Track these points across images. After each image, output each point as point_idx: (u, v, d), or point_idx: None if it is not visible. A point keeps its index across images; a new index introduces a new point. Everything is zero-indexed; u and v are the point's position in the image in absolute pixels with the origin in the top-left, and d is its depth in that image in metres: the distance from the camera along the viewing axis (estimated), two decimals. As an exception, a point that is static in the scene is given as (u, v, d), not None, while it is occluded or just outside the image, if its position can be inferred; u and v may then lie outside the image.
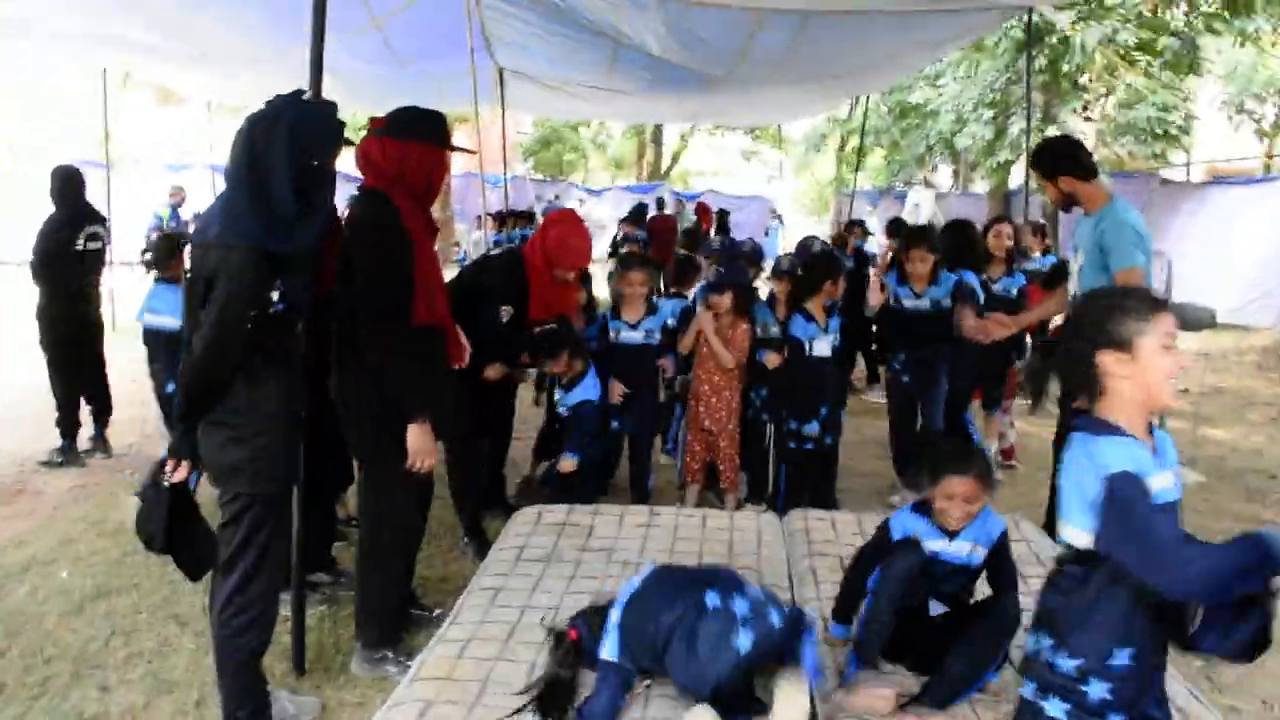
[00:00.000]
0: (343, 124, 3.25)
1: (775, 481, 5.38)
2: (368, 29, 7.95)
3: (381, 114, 3.59)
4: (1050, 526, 4.84)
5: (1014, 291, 6.40)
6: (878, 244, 11.20)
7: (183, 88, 14.19)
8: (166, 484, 2.99)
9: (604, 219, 24.44)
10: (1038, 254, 8.98)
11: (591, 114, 19.09)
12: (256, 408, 3.03)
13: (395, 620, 3.82)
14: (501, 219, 14.86)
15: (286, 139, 2.95)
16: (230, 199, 2.97)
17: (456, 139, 3.88)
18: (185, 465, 3.02)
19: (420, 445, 3.45)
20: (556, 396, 5.07)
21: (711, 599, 2.71)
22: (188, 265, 3.04)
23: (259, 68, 9.39)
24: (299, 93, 3.20)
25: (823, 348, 5.20)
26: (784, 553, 4.12)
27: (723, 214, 16.27)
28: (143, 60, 10.40)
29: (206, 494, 3.16)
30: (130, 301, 12.16)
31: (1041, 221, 10.29)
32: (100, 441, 6.79)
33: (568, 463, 4.95)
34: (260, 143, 2.95)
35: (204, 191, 16.73)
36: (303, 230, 3.01)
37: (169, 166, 21.75)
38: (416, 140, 3.52)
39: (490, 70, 10.13)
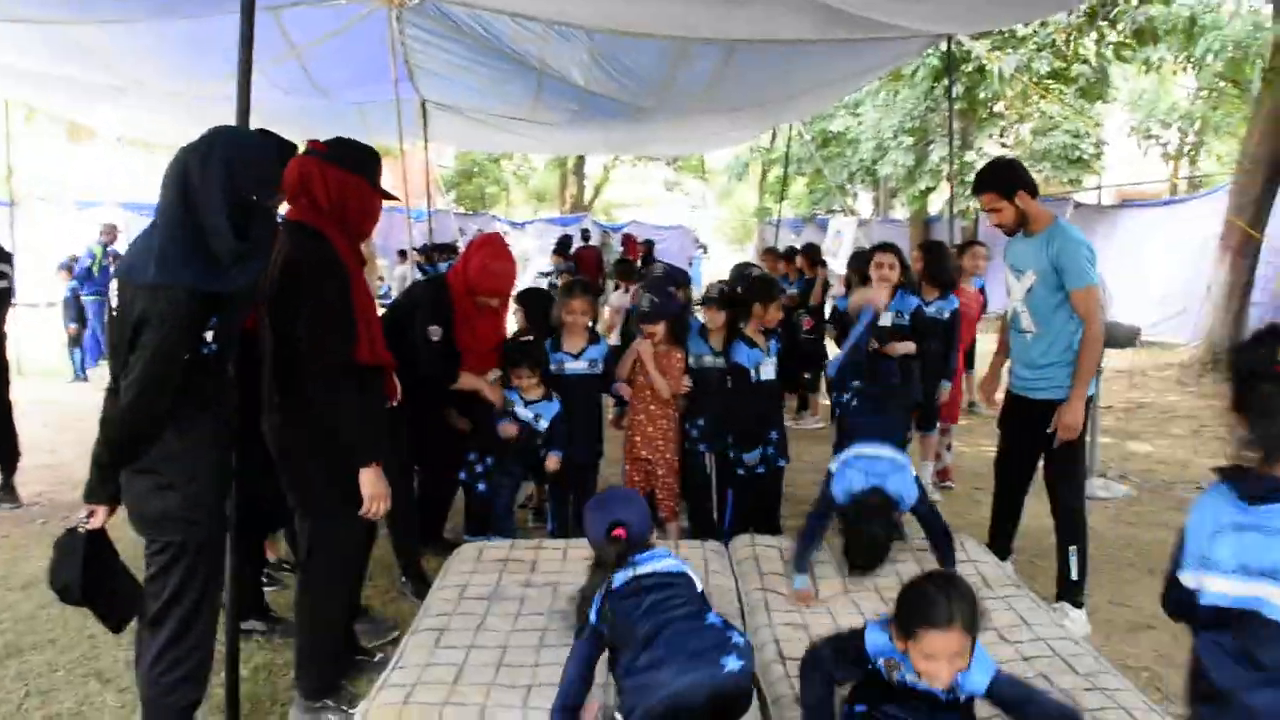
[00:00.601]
0: (288, 156, 3.11)
1: (721, 511, 5.29)
2: (287, 58, 7.80)
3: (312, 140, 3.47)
4: (993, 543, 4.86)
5: (946, 314, 6.38)
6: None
7: (94, 122, 13.75)
8: (82, 530, 2.81)
9: (528, 251, 24.39)
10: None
11: (516, 146, 19.02)
12: (188, 453, 2.87)
13: (336, 667, 3.66)
14: (426, 253, 14.71)
15: (222, 172, 2.77)
16: (163, 236, 2.76)
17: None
18: (103, 511, 2.84)
19: (375, 490, 3.31)
20: (520, 411, 4.89)
21: (713, 618, 2.60)
22: (114, 304, 2.84)
23: (178, 101, 9.17)
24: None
25: (768, 372, 5.15)
26: (733, 582, 4.05)
27: (649, 244, 16.31)
28: (50, 93, 10.08)
29: (128, 542, 2.98)
30: (37, 343, 11.86)
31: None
32: (8, 490, 6.47)
33: (554, 460, 4.91)
34: (195, 176, 2.76)
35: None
36: (240, 271, 2.82)
37: (78, 204, 21.10)
38: (358, 175, 3.41)
39: (414, 102, 10.02)
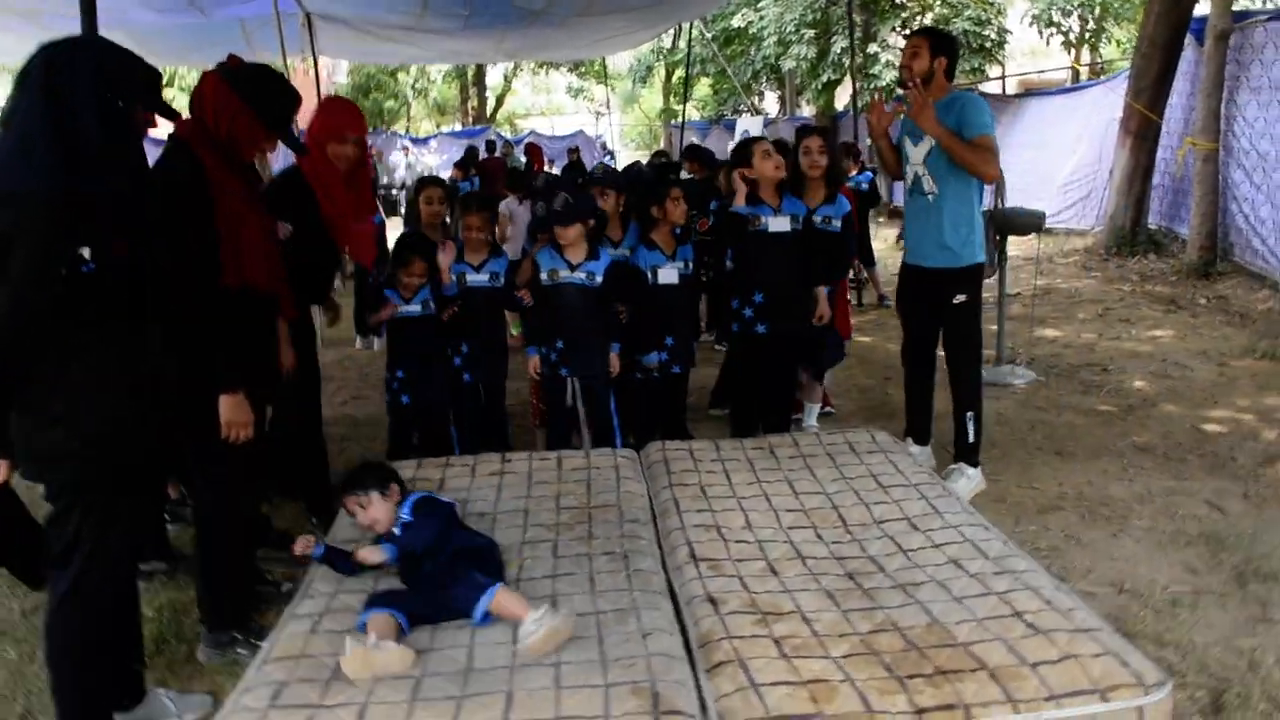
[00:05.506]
0: (155, 72, 2.90)
1: (600, 429, 4.99)
2: (155, -27, 7.39)
3: (193, 67, 3.28)
4: (913, 430, 5.05)
5: (837, 223, 5.29)
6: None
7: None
8: None
9: (432, 167, 23.92)
10: (854, 173, 9.14)
11: (409, 57, 18.42)
12: (76, 385, 2.64)
13: (241, 599, 3.59)
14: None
15: (92, 72, 2.58)
16: (19, 138, 2.53)
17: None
18: (3, 464, 2.65)
19: (231, 416, 3.17)
20: (406, 310, 4.74)
21: None
22: None
23: (25, 20, 8.57)
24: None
25: (667, 276, 5.02)
26: (644, 487, 4.03)
27: (574, 151, 16.30)
28: None
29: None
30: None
31: (854, 143, 10.35)
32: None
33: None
34: (63, 74, 2.55)
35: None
36: (111, 169, 2.62)
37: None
38: (254, 109, 3.25)
39: (298, 15, 9.60)
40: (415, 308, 4.77)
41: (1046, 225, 7.35)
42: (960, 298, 4.64)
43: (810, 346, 5.30)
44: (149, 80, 2.89)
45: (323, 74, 12.12)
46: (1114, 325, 8.45)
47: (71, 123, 2.54)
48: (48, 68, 2.56)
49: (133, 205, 2.73)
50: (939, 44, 4.64)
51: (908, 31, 16.68)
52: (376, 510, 3.23)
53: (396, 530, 3.21)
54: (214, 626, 3.45)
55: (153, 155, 3.05)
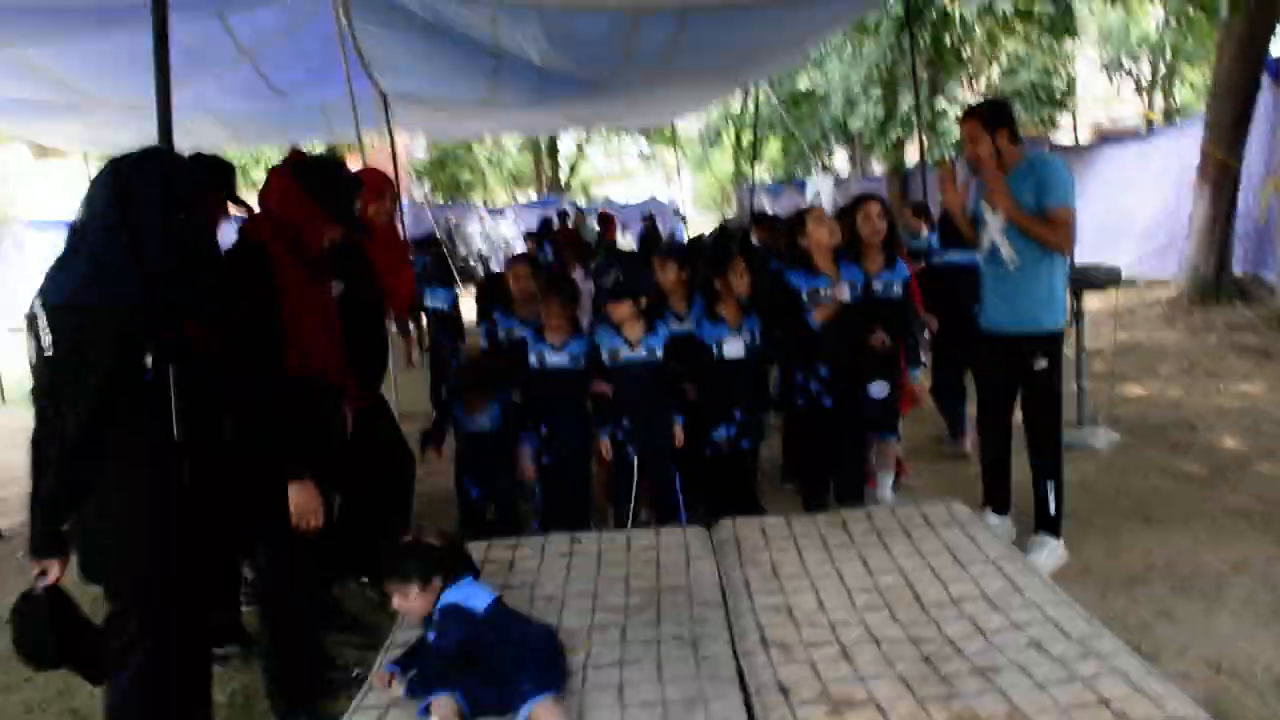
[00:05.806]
0: (228, 165, 2.99)
1: (664, 502, 5.02)
2: (240, 62, 7.67)
3: (276, 150, 3.40)
4: (991, 499, 4.95)
5: (898, 288, 5.30)
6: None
7: (59, 143, 13.47)
8: (40, 590, 2.68)
9: (508, 238, 24.28)
10: (924, 230, 8.87)
11: (482, 130, 18.80)
12: (128, 488, 2.70)
13: (310, 684, 3.60)
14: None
15: (159, 184, 2.67)
16: (97, 253, 2.62)
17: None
18: (56, 565, 2.70)
19: (300, 505, 3.22)
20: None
21: None
22: (42, 340, 2.60)
23: (140, 115, 8.99)
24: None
25: (735, 349, 4.97)
26: (714, 566, 3.95)
27: (648, 218, 16.44)
28: (12, 117, 9.89)
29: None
30: (19, 369, 11.66)
31: (923, 201, 10.13)
32: (-12, 522, 6.36)
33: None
34: (136, 189, 2.66)
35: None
36: (179, 286, 2.69)
37: (32, 224, 19.42)
38: (317, 200, 3.32)
39: (373, 95, 9.86)
40: (484, 423, 4.85)
41: (1125, 276, 7.19)
42: (1040, 363, 4.53)
43: (875, 409, 5.25)
44: (221, 174, 2.98)
45: (400, 149, 12.42)
46: (1201, 380, 8.20)
47: (143, 242, 2.61)
48: (120, 183, 2.65)
49: (201, 311, 2.80)
50: (992, 118, 4.55)
51: (975, 85, 16.61)
52: (412, 601, 3.08)
53: (430, 635, 3.12)
54: (283, 713, 3.47)
55: (225, 237, 3.17)
